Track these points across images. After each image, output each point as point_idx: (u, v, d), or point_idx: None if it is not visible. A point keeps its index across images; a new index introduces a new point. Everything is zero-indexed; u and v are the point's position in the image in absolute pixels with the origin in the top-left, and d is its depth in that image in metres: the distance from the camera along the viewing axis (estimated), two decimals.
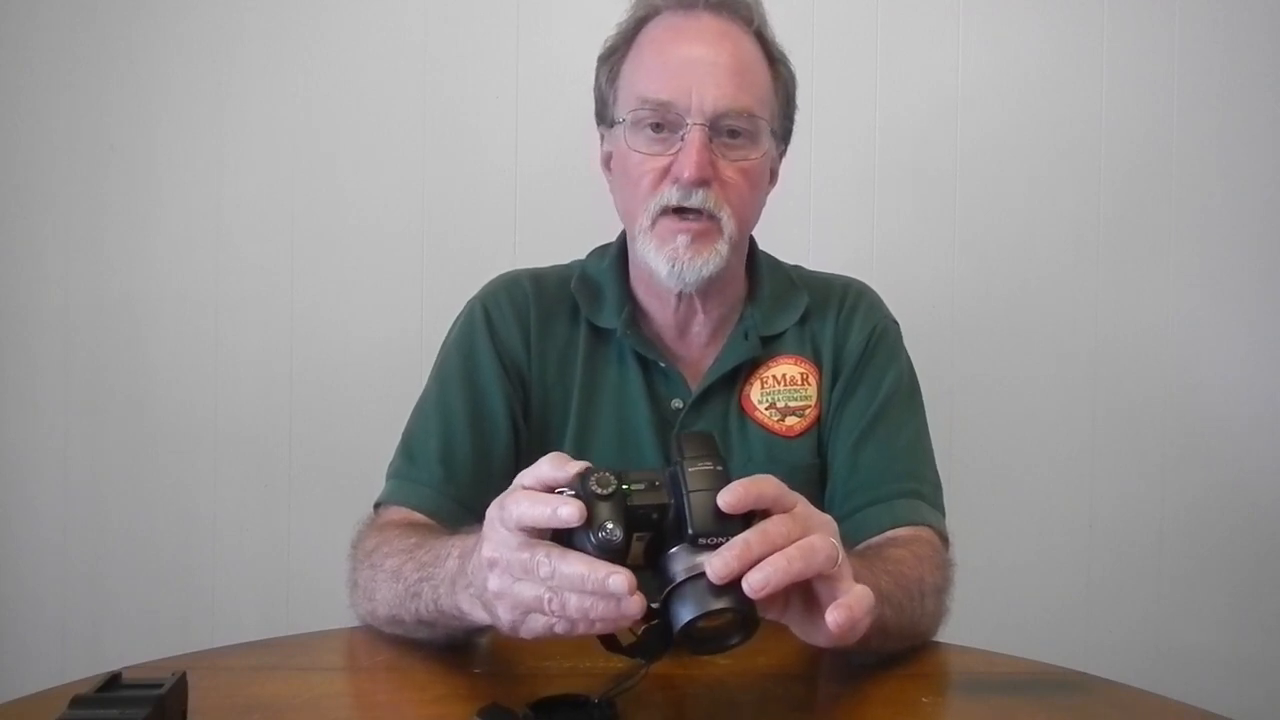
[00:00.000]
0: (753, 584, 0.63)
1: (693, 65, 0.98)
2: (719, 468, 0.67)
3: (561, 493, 0.66)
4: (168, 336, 1.68)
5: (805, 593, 0.69)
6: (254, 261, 1.68)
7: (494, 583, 0.69)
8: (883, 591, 0.78)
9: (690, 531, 0.65)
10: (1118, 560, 1.66)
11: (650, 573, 0.67)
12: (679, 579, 0.64)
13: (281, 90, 1.67)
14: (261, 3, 1.66)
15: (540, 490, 0.68)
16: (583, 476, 0.66)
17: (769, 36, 1.04)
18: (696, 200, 0.98)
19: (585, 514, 0.64)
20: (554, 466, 0.68)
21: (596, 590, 0.63)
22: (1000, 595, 1.59)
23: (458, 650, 0.86)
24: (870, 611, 0.68)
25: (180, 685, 0.69)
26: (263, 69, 1.67)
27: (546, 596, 0.66)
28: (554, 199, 1.63)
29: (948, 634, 0.98)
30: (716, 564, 0.63)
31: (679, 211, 0.99)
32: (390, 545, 0.89)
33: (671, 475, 0.67)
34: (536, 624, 0.68)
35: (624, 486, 0.66)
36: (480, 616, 0.74)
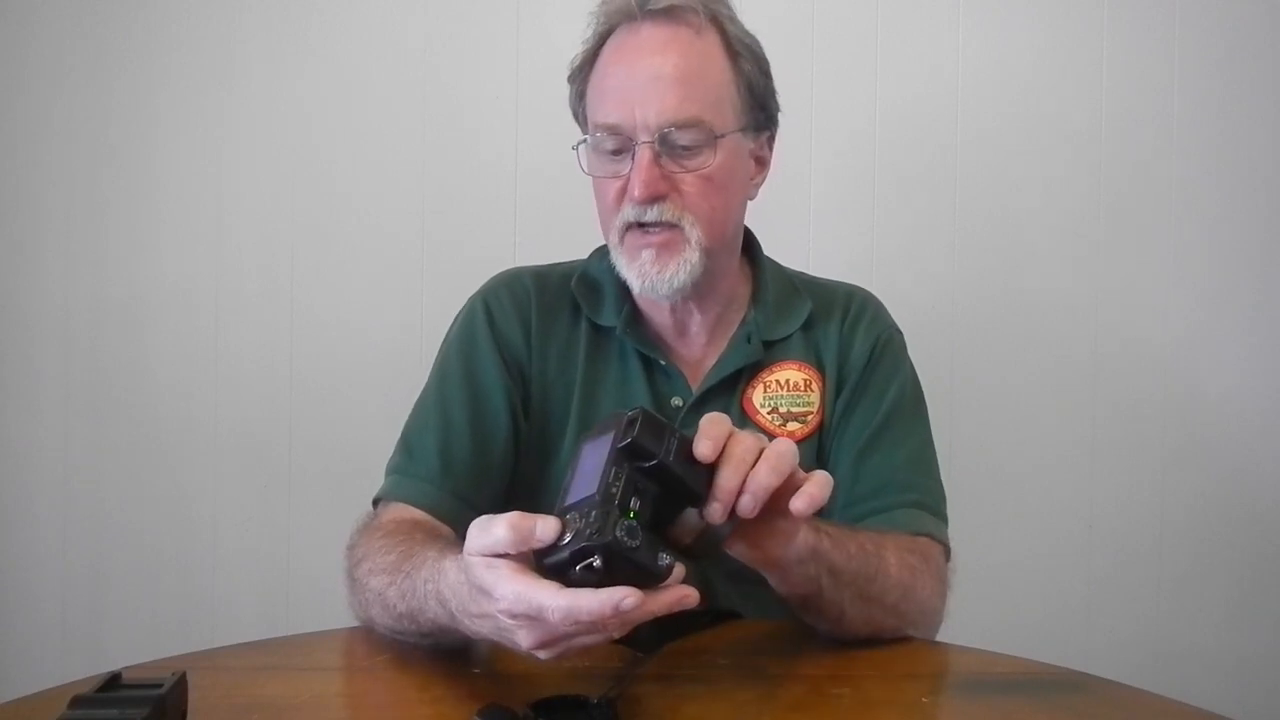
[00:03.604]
0: (744, 512, 0.73)
1: (635, 83, 0.98)
2: (676, 436, 0.72)
3: (589, 561, 0.64)
4: (168, 336, 1.68)
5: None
6: (254, 261, 1.68)
7: (530, 640, 0.69)
8: (824, 531, 0.84)
9: (703, 503, 0.72)
10: (1118, 560, 1.66)
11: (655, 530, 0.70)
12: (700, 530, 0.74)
13: (281, 90, 1.67)
14: (261, 3, 1.66)
15: (514, 550, 0.67)
16: (601, 533, 0.63)
17: (728, 28, 1.03)
18: (653, 215, 0.99)
19: (640, 594, 0.63)
20: (518, 533, 0.66)
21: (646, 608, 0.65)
22: (1000, 595, 1.59)
23: (458, 650, 0.85)
24: (826, 487, 0.75)
25: (180, 685, 0.69)
26: (263, 69, 1.67)
27: (612, 629, 0.67)
28: (554, 199, 1.62)
29: (948, 634, 0.98)
30: (717, 517, 0.73)
31: (641, 225, 1.00)
32: (372, 561, 0.89)
33: (657, 467, 0.69)
34: (588, 641, 0.69)
35: (633, 514, 0.66)
36: (493, 639, 0.74)
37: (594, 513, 0.64)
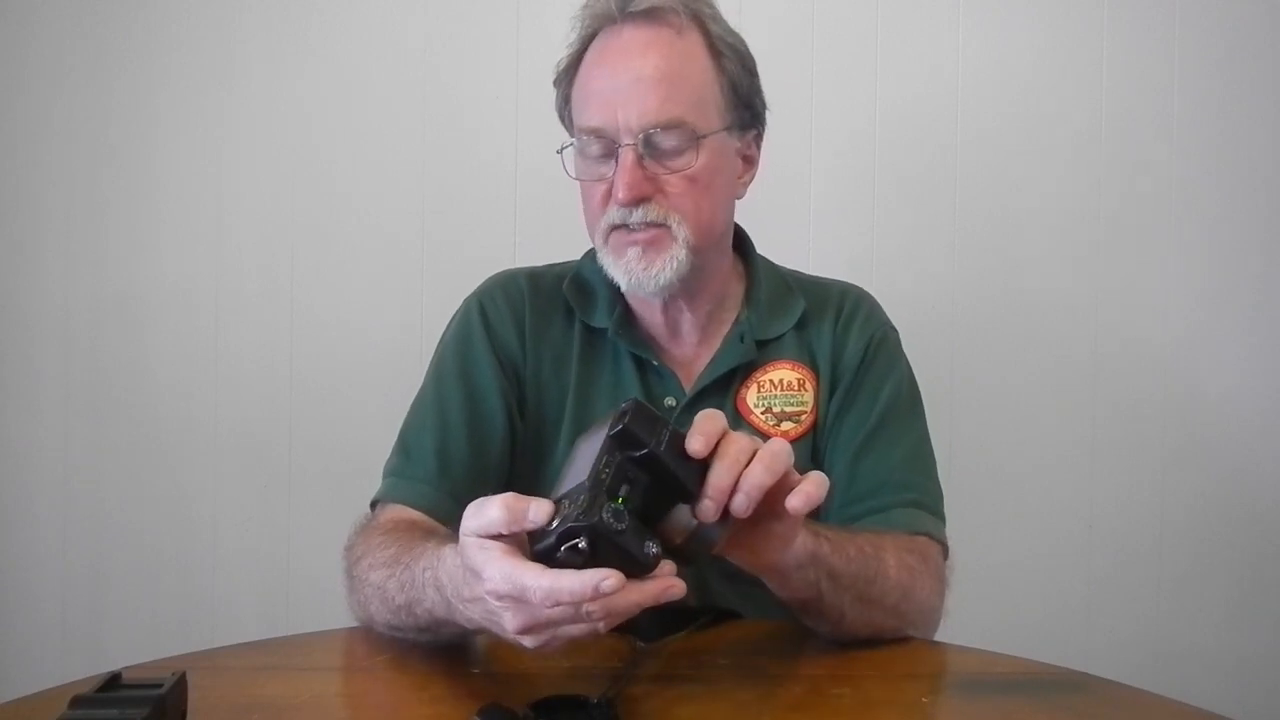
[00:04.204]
0: (738, 511, 0.71)
1: (617, 86, 0.99)
2: (669, 430, 0.71)
3: (574, 542, 0.64)
4: (168, 336, 1.68)
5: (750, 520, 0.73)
6: (254, 261, 1.68)
7: (514, 623, 0.68)
8: (823, 535, 0.84)
9: (695, 500, 0.71)
10: (1118, 560, 1.65)
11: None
12: (692, 529, 0.72)
13: (281, 90, 1.67)
14: (261, 3, 1.66)
15: (507, 529, 0.67)
16: (588, 514, 0.64)
17: (711, 27, 1.02)
18: (638, 218, 0.99)
19: (622, 576, 0.63)
20: (512, 513, 0.67)
21: (638, 599, 0.66)
22: (1000, 595, 1.59)
23: (457, 650, 0.86)
24: (822, 486, 0.74)
25: (180, 685, 0.69)
26: (263, 69, 1.67)
27: (597, 619, 0.66)
28: (554, 199, 1.61)
29: (948, 634, 0.98)
30: (709, 515, 0.71)
31: (627, 227, 1.00)
32: (372, 557, 0.89)
33: (648, 456, 0.69)
34: (574, 631, 0.68)
35: (621, 500, 0.66)
36: (484, 627, 0.74)
37: (582, 496, 0.65)
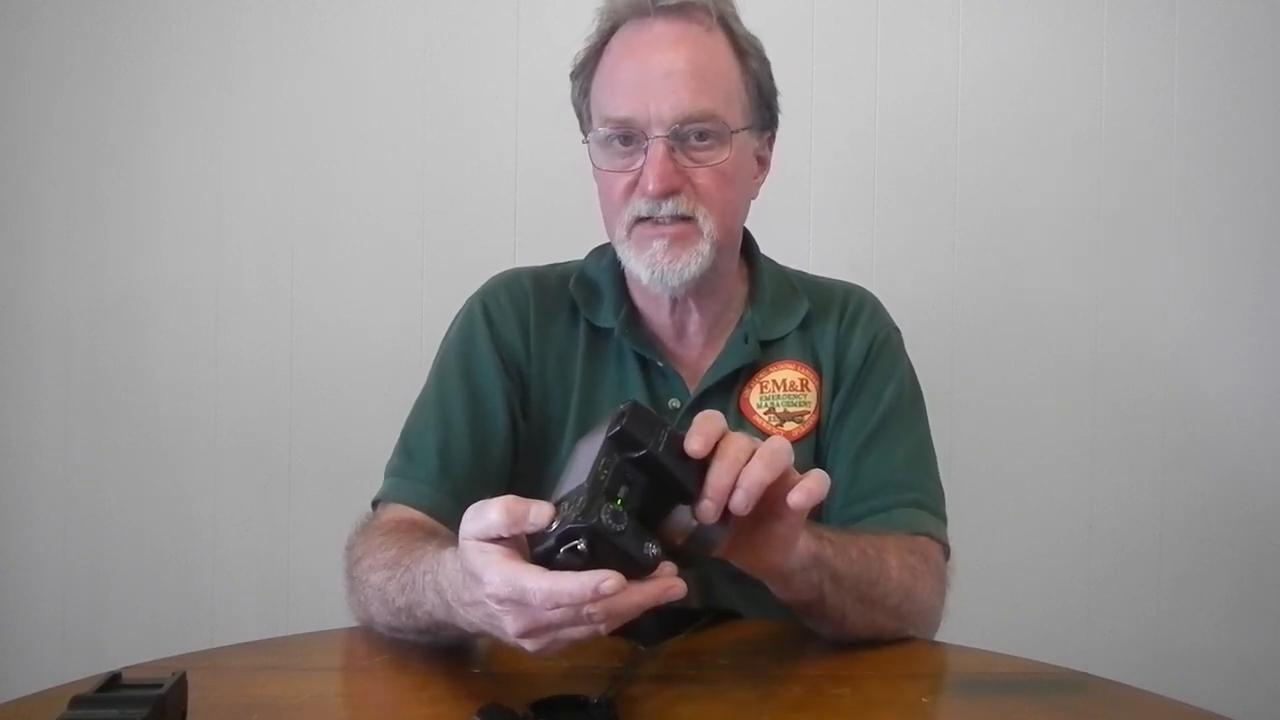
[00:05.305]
0: (737, 508, 0.70)
1: (648, 78, 0.98)
2: (668, 431, 0.70)
3: (574, 544, 0.64)
4: (168, 336, 1.68)
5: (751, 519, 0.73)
6: (254, 261, 1.68)
7: (515, 626, 0.68)
8: (825, 537, 0.84)
9: (695, 501, 0.70)
10: (1118, 560, 1.66)
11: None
12: (692, 531, 0.72)
13: (281, 90, 1.67)
14: (261, 3, 1.66)
15: (507, 532, 0.67)
16: (586, 515, 0.64)
17: (735, 28, 1.03)
18: (667, 210, 0.99)
19: (622, 577, 0.63)
20: (511, 516, 0.66)
21: (640, 600, 0.65)
22: (1000, 595, 1.59)
23: (457, 650, 0.86)
24: (824, 482, 0.74)
25: (180, 685, 0.69)
26: (263, 69, 1.67)
27: (598, 621, 0.65)
28: (554, 199, 1.63)
29: (948, 634, 0.98)
30: (709, 515, 0.70)
31: (654, 220, 1.00)
32: (372, 558, 0.89)
33: (646, 458, 0.68)
34: (575, 633, 0.68)
35: (620, 501, 0.66)
36: (485, 631, 0.74)
37: (581, 498, 0.65)
